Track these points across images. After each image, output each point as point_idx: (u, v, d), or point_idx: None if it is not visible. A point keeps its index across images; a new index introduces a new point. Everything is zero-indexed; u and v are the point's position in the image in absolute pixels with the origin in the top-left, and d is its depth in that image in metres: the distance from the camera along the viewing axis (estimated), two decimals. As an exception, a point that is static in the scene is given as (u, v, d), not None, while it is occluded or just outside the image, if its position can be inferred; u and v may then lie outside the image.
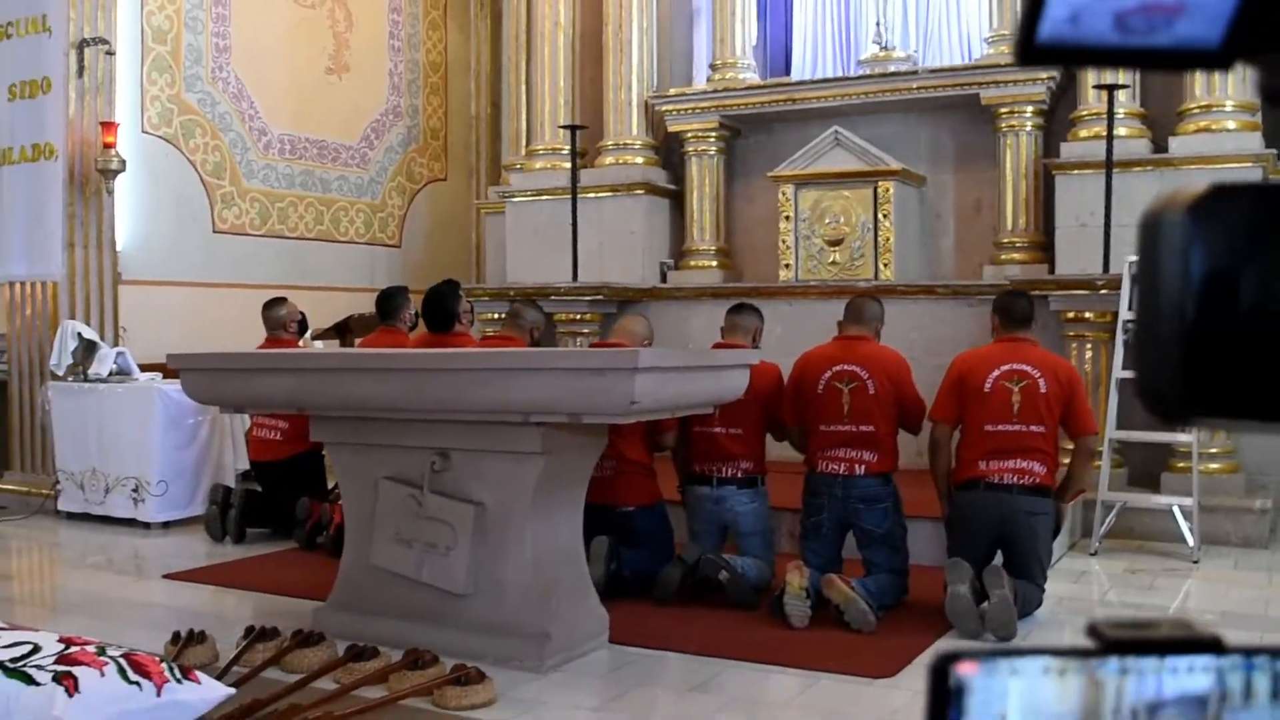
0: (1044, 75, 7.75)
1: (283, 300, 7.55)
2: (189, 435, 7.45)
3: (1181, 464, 6.74)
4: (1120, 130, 7.19)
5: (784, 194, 8.33)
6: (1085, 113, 7.56)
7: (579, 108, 9.32)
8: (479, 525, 4.42)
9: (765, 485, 5.54)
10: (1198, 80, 7.18)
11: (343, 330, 8.66)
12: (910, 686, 4.14)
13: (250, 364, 5.15)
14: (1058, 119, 7.97)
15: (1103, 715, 0.58)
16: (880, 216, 8.01)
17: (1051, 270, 7.52)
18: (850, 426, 5.15)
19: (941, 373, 5.37)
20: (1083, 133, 7.52)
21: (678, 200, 9.20)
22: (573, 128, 8.81)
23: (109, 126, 8.17)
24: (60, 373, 7.76)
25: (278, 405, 5.36)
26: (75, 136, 8.10)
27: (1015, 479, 4.90)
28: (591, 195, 8.89)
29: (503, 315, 7.70)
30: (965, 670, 0.59)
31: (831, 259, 8.19)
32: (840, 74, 8.94)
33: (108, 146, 8.14)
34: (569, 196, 8.69)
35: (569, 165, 8.78)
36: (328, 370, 4.79)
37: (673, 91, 9.18)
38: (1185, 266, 0.61)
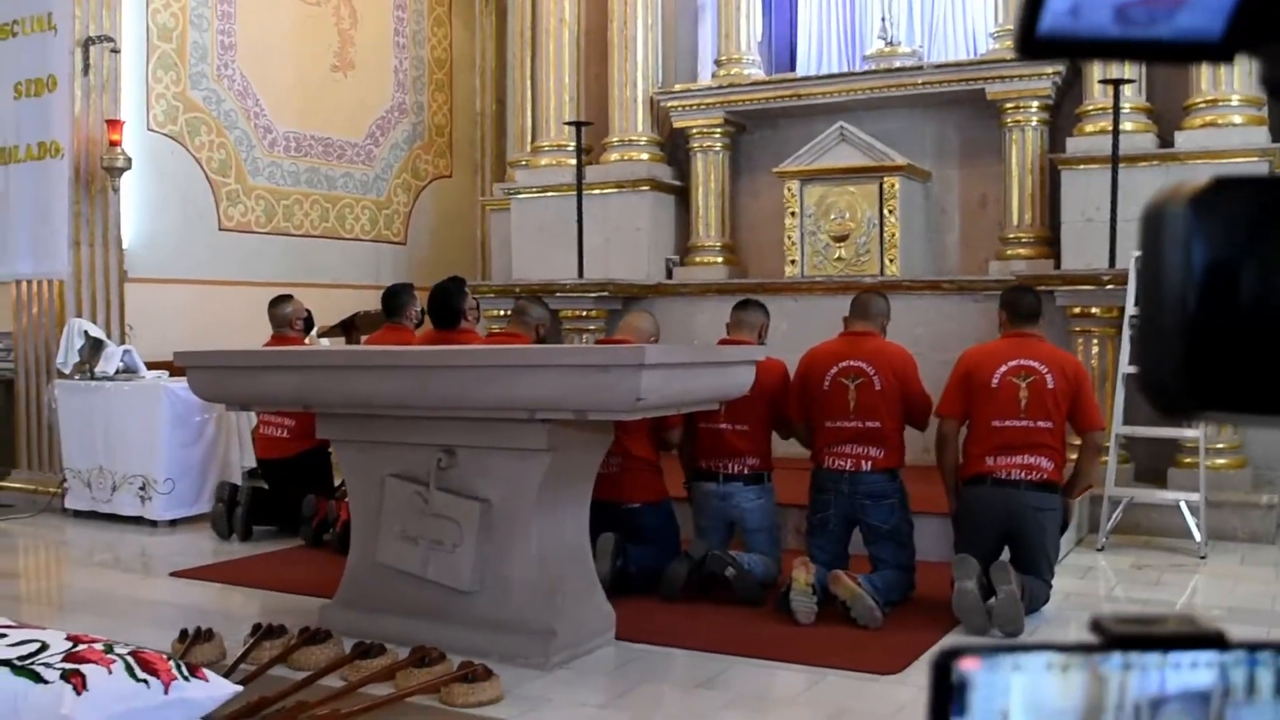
0: (1049, 70, 7.73)
1: (288, 298, 7.55)
2: (195, 433, 7.47)
3: (1188, 459, 6.72)
4: (1126, 125, 7.17)
5: (789, 190, 8.33)
6: (1091, 107, 7.54)
7: (584, 104, 9.32)
8: (485, 522, 4.42)
9: (771, 481, 5.53)
10: (1203, 74, 7.17)
11: (348, 328, 8.66)
12: (917, 683, 4.13)
13: (256, 362, 5.15)
14: (1063, 114, 7.95)
15: (1106, 711, 0.58)
16: (886, 212, 8.00)
17: (1057, 265, 7.51)
18: (856, 422, 5.14)
19: (947, 368, 5.36)
20: (1088, 128, 7.50)
21: (683, 196, 9.20)
22: (578, 124, 8.81)
23: (114, 124, 8.19)
24: (67, 371, 7.77)
25: (284, 403, 5.37)
26: (81, 134, 8.11)
27: (1023, 474, 4.89)
28: (597, 191, 8.88)
29: (508, 312, 7.70)
30: (967, 666, 0.58)
31: (837, 255, 8.18)
32: (845, 69, 8.92)
33: (113, 144, 8.15)
34: (574, 193, 8.69)
35: (574, 162, 8.78)
36: (334, 368, 4.79)
37: (678, 87, 9.17)
38: (1187, 259, 0.61)
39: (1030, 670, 0.58)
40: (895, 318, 5.73)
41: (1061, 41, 0.61)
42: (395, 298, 7.06)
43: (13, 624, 3.35)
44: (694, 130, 8.99)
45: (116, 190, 8.30)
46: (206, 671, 3.29)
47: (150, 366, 7.79)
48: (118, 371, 7.65)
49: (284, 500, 6.93)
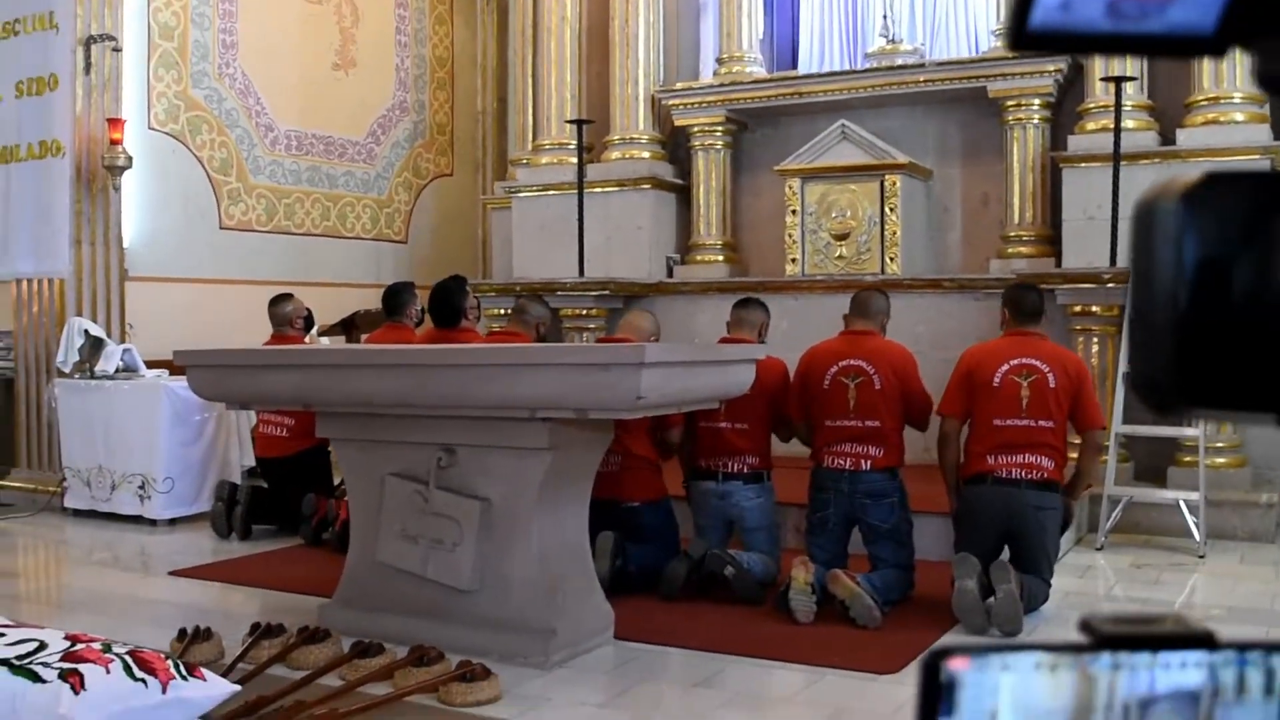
0: (1051, 68, 7.73)
1: (289, 296, 7.54)
2: (195, 432, 7.47)
3: (1188, 458, 6.72)
4: (1128, 123, 7.16)
5: (790, 188, 8.32)
6: (1092, 105, 7.53)
7: (585, 102, 9.31)
8: (485, 521, 4.42)
9: (771, 480, 5.53)
10: (1205, 72, 7.16)
11: (349, 326, 8.66)
12: (915, 682, 4.11)
13: (256, 360, 5.15)
14: (1065, 112, 7.95)
15: (1095, 711, 0.58)
16: (887, 210, 7.99)
17: (1058, 264, 7.50)
18: (856, 421, 5.14)
19: (948, 367, 5.36)
20: (1090, 125, 7.49)
21: (684, 195, 9.19)
22: (579, 122, 8.80)
23: (116, 123, 8.19)
24: (67, 369, 7.77)
25: (284, 402, 5.37)
26: (82, 133, 8.12)
27: (1023, 474, 4.88)
28: (598, 190, 8.88)
29: (509, 311, 7.69)
30: (956, 666, 0.58)
31: (838, 253, 8.17)
32: (847, 67, 8.91)
33: (114, 143, 8.15)
34: (575, 191, 8.69)
35: (575, 160, 8.78)
36: (334, 366, 4.78)
37: (679, 86, 9.17)
38: (1179, 255, 0.60)
39: (1019, 670, 0.58)
40: (896, 316, 5.72)
41: (1053, 35, 0.61)
42: (396, 296, 7.06)
43: (11, 623, 3.35)
44: (695, 128, 8.99)
45: (117, 189, 8.30)
46: (205, 671, 3.29)
47: (150, 365, 7.79)
48: (118, 370, 7.65)
49: (283, 499, 6.92)
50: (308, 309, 7.61)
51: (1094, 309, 7.01)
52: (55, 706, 2.85)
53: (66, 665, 2.95)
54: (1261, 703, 0.58)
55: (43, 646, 3.04)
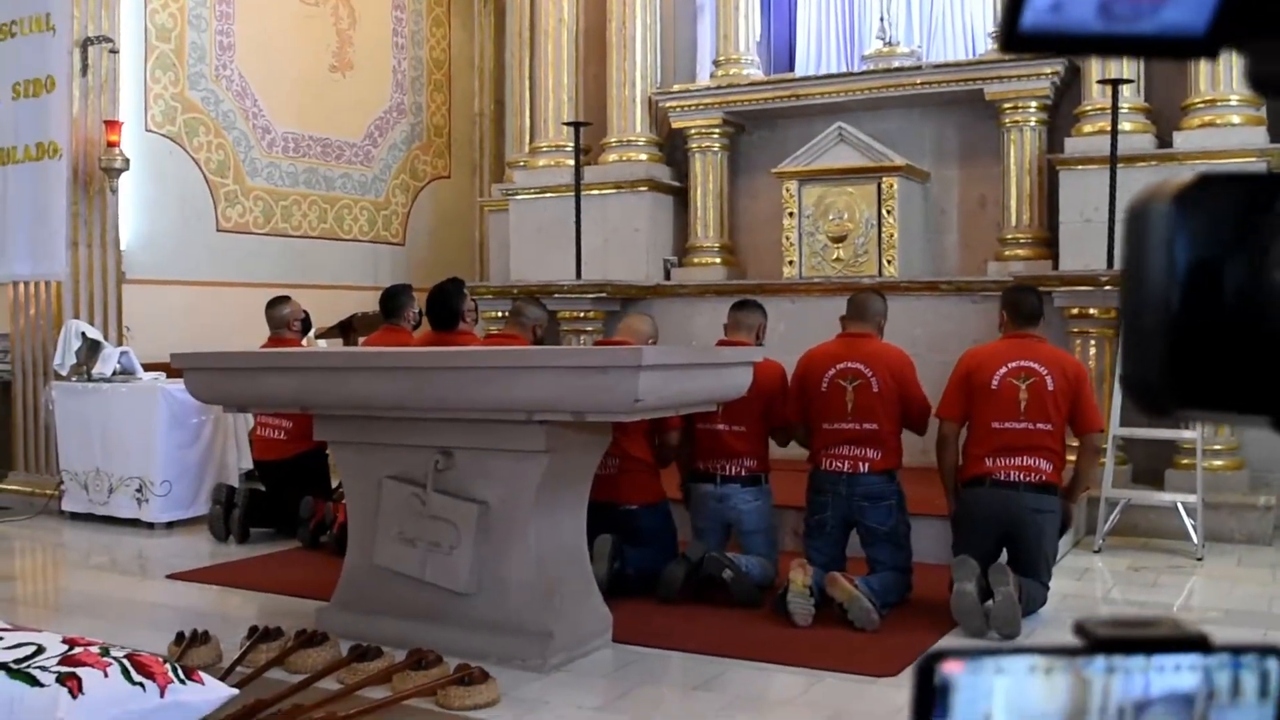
0: (1048, 70, 7.74)
1: (286, 299, 7.54)
2: (193, 435, 7.46)
3: (1186, 461, 6.72)
4: (1124, 125, 7.17)
5: (788, 190, 8.32)
6: (1089, 108, 7.54)
7: (583, 104, 9.31)
8: (482, 524, 4.42)
9: (769, 483, 5.53)
10: (1202, 74, 7.16)
11: (346, 329, 8.66)
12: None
13: (254, 363, 5.15)
14: (1062, 114, 7.95)
15: (1089, 714, 0.58)
16: (884, 213, 7.99)
17: (1055, 266, 7.50)
18: (854, 424, 5.14)
19: (946, 369, 5.36)
20: (1087, 128, 7.50)
21: (681, 197, 9.19)
22: (576, 124, 8.80)
23: (113, 125, 8.19)
24: (64, 372, 7.76)
25: (281, 404, 5.36)
26: (79, 135, 8.11)
27: (1022, 476, 4.88)
28: (595, 192, 8.88)
29: (506, 313, 7.69)
30: (950, 669, 0.58)
31: (835, 255, 8.17)
32: (844, 69, 8.91)
33: (111, 145, 8.15)
34: (573, 193, 8.68)
35: (573, 162, 8.77)
36: (331, 369, 4.78)
37: (676, 88, 9.17)
38: (1171, 256, 0.60)
39: (1013, 673, 0.58)
40: (893, 319, 5.72)
41: (1044, 37, 0.60)
42: (393, 299, 7.06)
43: (9, 626, 3.35)
44: (692, 131, 8.99)
45: (114, 191, 8.29)
46: (202, 674, 3.29)
47: (147, 368, 7.78)
48: (115, 373, 7.64)
49: (281, 502, 6.92)
50: (305, 311, 7.61)
51: (1091, 311, 7.02)
52: (53, 710, 2.85)
53: (64, 669, 2.95)
54: (1256, 706, 0.58)
55: (40, 650, 3.04)
